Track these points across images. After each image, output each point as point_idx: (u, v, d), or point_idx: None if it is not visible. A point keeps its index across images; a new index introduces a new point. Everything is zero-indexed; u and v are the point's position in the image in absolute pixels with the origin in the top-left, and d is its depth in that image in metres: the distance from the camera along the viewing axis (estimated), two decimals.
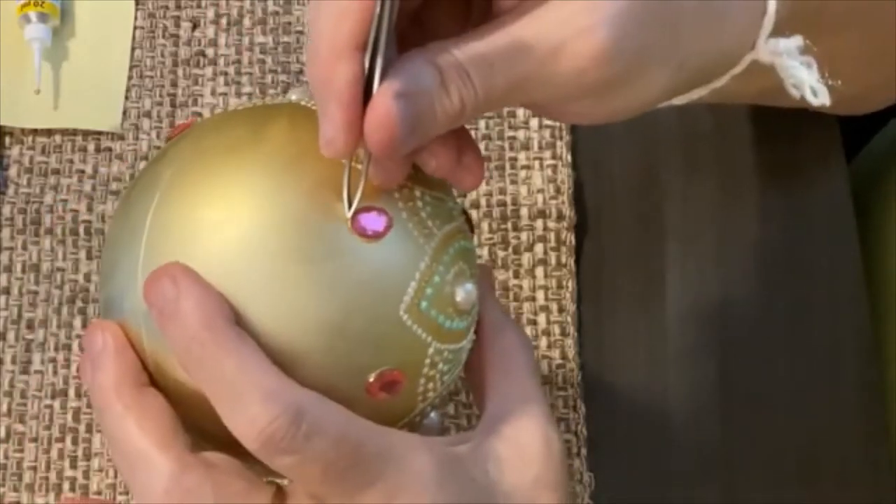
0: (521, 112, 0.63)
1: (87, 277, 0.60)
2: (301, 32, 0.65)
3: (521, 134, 0.62)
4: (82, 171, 0.62)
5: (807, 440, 0.58)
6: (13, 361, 0.58)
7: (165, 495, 0.40)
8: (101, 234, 0.60)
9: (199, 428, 0.41)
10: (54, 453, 0.56)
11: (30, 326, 0.59)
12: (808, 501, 0.57)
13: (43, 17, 0.63)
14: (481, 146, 0.62)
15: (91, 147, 0.62)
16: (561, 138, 0.62)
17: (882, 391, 0.59)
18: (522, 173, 0.62)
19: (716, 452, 0.57)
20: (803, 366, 0.59)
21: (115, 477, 0.56)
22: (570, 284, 0.59)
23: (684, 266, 0.60)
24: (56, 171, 0.62)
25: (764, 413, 0.58)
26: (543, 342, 0.59)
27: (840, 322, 0.60)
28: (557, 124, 0.62)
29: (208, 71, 0.64)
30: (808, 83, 0.45)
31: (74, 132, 0.63)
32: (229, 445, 0.39)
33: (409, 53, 0.40)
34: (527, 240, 0.60)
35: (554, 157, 0.62)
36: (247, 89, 0.64)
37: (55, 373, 0.58)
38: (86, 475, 0.56)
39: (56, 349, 0.58)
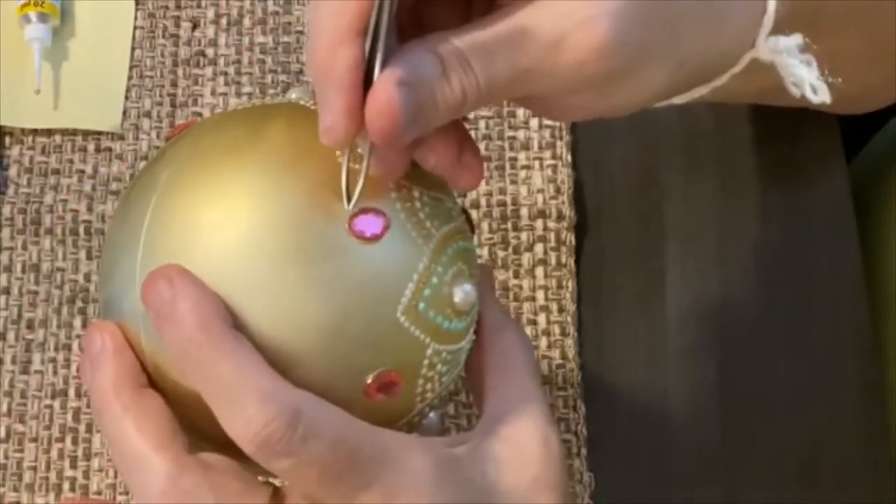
0: (521, 112, 0.63)
1: (87, 277, 0.60)
2: (301, 32, 0.65)
3: (521, 134, 0.62)
4: (82, 171, 0.62)
5: (807, 440, 0.58)
6: (13, 361, 0.58)
7: (163, 496, 0.40)
8: (101, 234, 0.60)
9: (197, 429, 0.41)
10: (54, 453, 0.57)
11: (30, 326, 0.59)
12: (808, 501, 0.57)
13: (43, 17, 0.63)
14: (481, 146, 0.62)
15: (91, 147, 0.62)
16: (561, 138, 0.62)
17: (882, 391, 0.59)
18: (522, 173, 0.62)
19: (716, 452, 0.57)
20: (803, 366, 0.59)
21: (115, 477, 0.56)
22: (570, 284, 0.59)
23: (684, 266, 0.60)
24: (56, 171, 0.62)
25: (764, 413, 0.58)
26: (543, 342, 0.58)
27: (840, 322, 0.60)
28: (557, 124, 0.62)
29: (208, 71, 0.64)
30: (808, 81, 0.45)
31: (74, 132, 0.63)
32: (227, 446, 0.39)
33: (410, 43, 0.40)
34: (527, 240, 0.60)
35: (554, 157, 0.62)
36: (247, 89, 0.64)
37: (55, 373, 0.58)
38: (86, 475, 0.56)
39: (56, 349, 0.58)
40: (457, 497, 0.41)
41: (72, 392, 0.57)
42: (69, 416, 0.57)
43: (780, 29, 0.45)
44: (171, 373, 0.41)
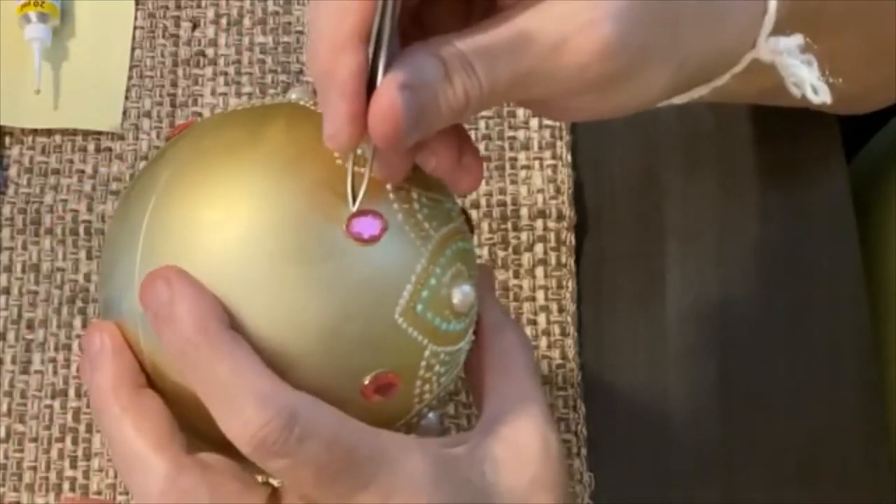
0: (521, 112, 0.63)
1: (87, 277, 0.60)
2: (301, 32, 0.65)
3: (521, 134, 0.62)
4: (82, 171, 0.62)
5: (807, 440, 0.58)
6: (13, 361, 0.58)
7: (161, 496, 0.40)
8: (101, 234, 0.60)
9: (196, 429, 0.41)
10: (54, 453, 0.57)
11: (30, 326, 0.59)
12: (808, 501, 0.57)
13: (43, 17, 0.63)
14: (481, 146, 0.62)
15: (91, 147, 0.62)
16: (561, 138, 0.62)
17: (882, 391, 0.59)
18: (522, 173, 0.62)
19: (716, 452, 0.57)
20: (803, 366, 0.59)
21: (115, 477, 0.56)
22: (570, 284, 0.59)
23: (684, 266, 0.60)
24: (56, 171, 0.62)
25: (764, 413, 0.58)
26: (543, 342, 0.58)
27: (840, 322, 0.59)
28: (557, 124, 0.62)
29: (208, 71, 0.64)
30: (808, 81, 0.45)
31: (74, 132, 0.63)
32: (225, 447, 0.39)
33: (413, 47, 0.40)
34: (527, 240, 0.60)
35: (554, 157, 0.62)
36: (247, 89, 0.64)
37: (55, 373, 0.58)
38: (86, 475, 0.56)
39: (56, 349, 0.58)
40: (455, 497, 0.41)
41: (72, 392, 0.57)
42: (69, 416, 0.57)
43: (780, 29, 0.46)
44: (169, 373, 0.41)
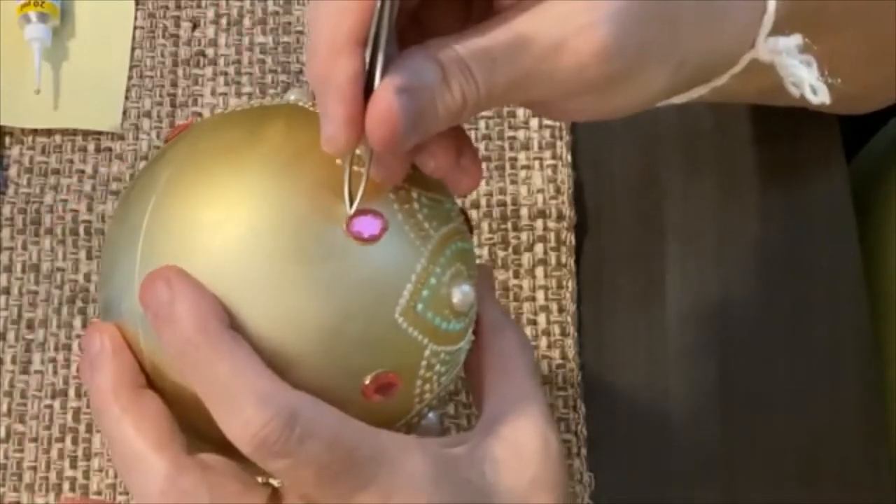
0: (521, 112, 0.63)
1: (87, 277, 0.60)
2: (301, 32, 0.65)
3: (521, 134, 0.62)
4: (82, 171, 0.62)
5: (807, 440, 0.58)
6: (13, 361, 0.58)
7: (161, 496, 0.40)
8: (101, 234, 0.60)
9: (196, 429, 0.41)
10: (54, 453, 0.57)
11: (30, 326, 0.59)
12: (808, 501, 0.57)
13: (43, 17, 0.63)
14: (481, 146, 0.62)
15: (91, 147, 0.62)
16: (561, 138, 0.62)
17: (882, 391, 0.59)
18: (522, 173, 0.62)
19: (716, 452, 0.57)
20: (803, 366, 0.59)
21: (115, 477, 0.56)
22: (570, 284, 0.59)
23: (684, 266, 0.60)
24: (56, 171, 0.62)
25: (764, 413, 0.58)
26: (543, 342, 0.58)
27: (840, 322, 0.59)
28: (557, 124, 0.62)
29: (208, 71, 0.64)
30: (807, 81, 0.45)
31: (74, 132, 0.63)
32: (225, 447, 0.39)
33: (410, 50, 0.40)
34: (527, 240, 0.60)
35: (554, 157, 0.62)
36: (247, 89, 0.64)
37: (55, 373, 0.58)
38: (86, 475, 0.56)
39: (56, 349, 0.58)
40: (455, 497, 0.41)
41: (72, 392, 0.57)
42: (69, 416, 0.57)
43: (779, 29, 0.46)
44: (169, 373, 0.41)
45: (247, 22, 0.65)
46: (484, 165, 0.60)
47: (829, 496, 0.57)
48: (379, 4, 0.38)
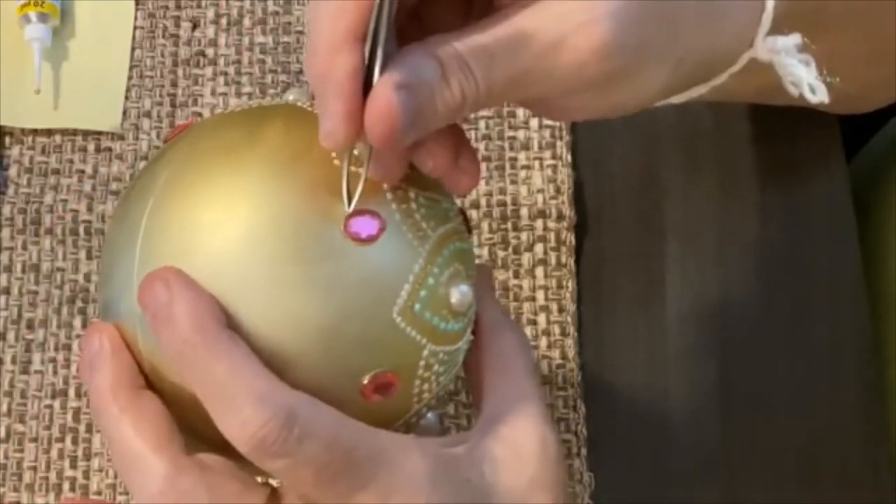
0: (521, 112, 0.63)
1: (87, 277, 0.60)
2: (301, 32, 0.65)
3: (521, 134, 0.62)
4: (82, 171, 0.62)
5: (807, 440, 0.57)
6: (13, 361, 0.58)
7: (160, 497, 0.40)
8: (101, 234, 0.60)
9: (195, 429, 0.41)
10: (54, 453, 0.57)
11: (30, 326, 0.59)
12: (808, 501, 0.57)
13: (43, 17, 0.63)
14: (481, 146, 0.62)
15: (91, 147, 0.62)
16: (561, 138, 0.62)
17: (882, 391, 0.59)
18: (522, 173, 0.62)
19: (716, 452, 0.57)
20: (803, 366, 0.59)
21: (115, 477, 0.56)
22: (570, 284, 0.59)
23: (684, 266, 0.60)
24: (56, 171, 0.62)
25: (764, 413, 0.58)
26: (543, 342, 0.58)
27: (840, 322, 0.59)
28: (557, 124, 0.62)
29: (208, 71, 0.64)
30: (806, 81, 0.45)
31: (74, 132, 0.63)
32: (224, 447, 0.39)
33: (410, 46, 0.40)
34: (527, 240, 0.60)
35: (554, 157, 0.62)
36: (247, 89, 0.64)
37: (55, 373, 0.58)
38: (86, 475, 0.56)
39: (56, 349, 0.58)
40: (454, 497, 0.41)
41: (72, 392, 0.58)
42: (69, 416, 0.57)
43: (778, 28, 0.46)
44: (168, 374, 0.41)
45: (247, 22, 0.65)
46: (484, 165, 0.60)
47: (829, 496, 0.57)
48: (378, 1, 0.38)
